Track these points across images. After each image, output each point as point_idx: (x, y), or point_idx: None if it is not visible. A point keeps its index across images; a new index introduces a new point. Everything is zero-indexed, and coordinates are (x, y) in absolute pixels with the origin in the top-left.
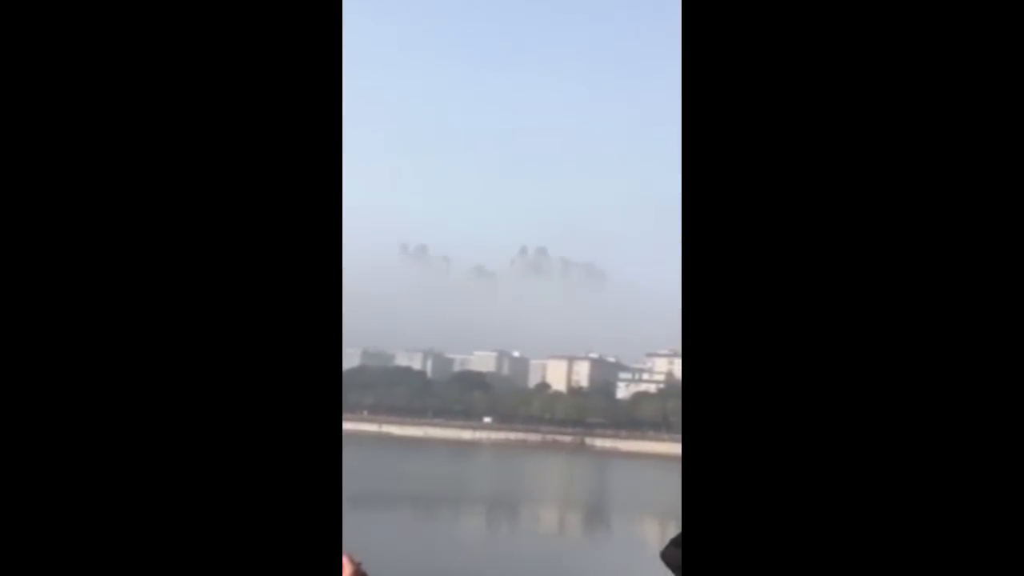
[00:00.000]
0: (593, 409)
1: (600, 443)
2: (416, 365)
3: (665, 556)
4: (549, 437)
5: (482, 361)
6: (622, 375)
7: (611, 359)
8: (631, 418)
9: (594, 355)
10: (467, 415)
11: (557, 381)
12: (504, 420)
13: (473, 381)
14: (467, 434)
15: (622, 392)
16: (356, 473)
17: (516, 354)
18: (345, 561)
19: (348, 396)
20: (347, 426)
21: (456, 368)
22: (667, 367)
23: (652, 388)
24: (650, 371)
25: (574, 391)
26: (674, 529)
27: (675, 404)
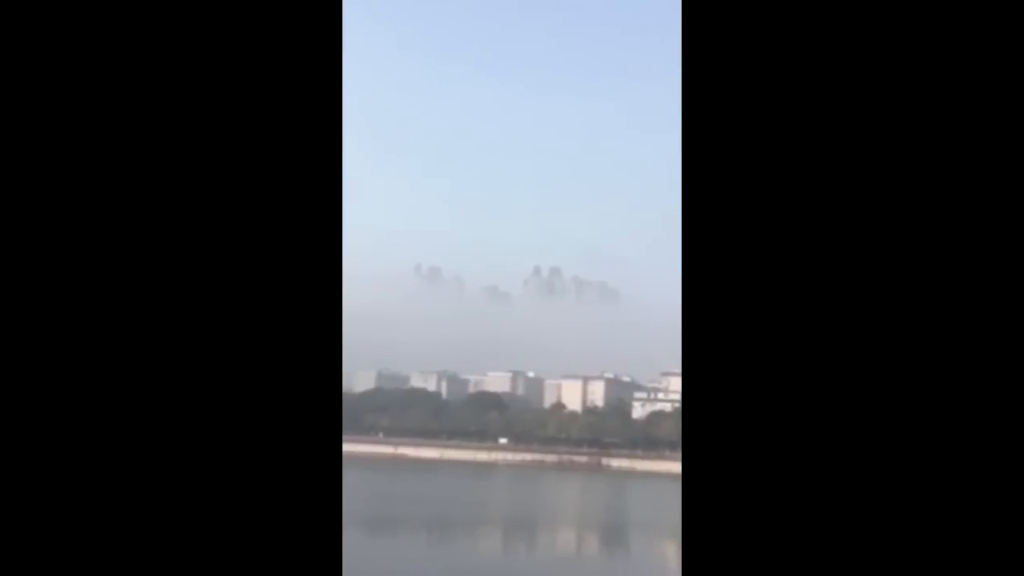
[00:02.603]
0: (609, 429)
1: (616, 463)
2: (431, 387)
3: None
4: (565, 457)
5: (497, 382)
6: (637, 394)
7: (626, 379)
8: (647, 437)
9: (609, 375)
10: (482, 436)
11: (572, 401)
12: (520, 441)
13: (488, 402)
14: (483, 455)
15: (638, 412)
16: (373, 496)
17: (531, 374)
18: None
19: (363, 418)
20: (363, 449)
21: (471, 389)
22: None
23: (668, 407)
24: (665, 390)
25: (589, 411)
26: None
27: None
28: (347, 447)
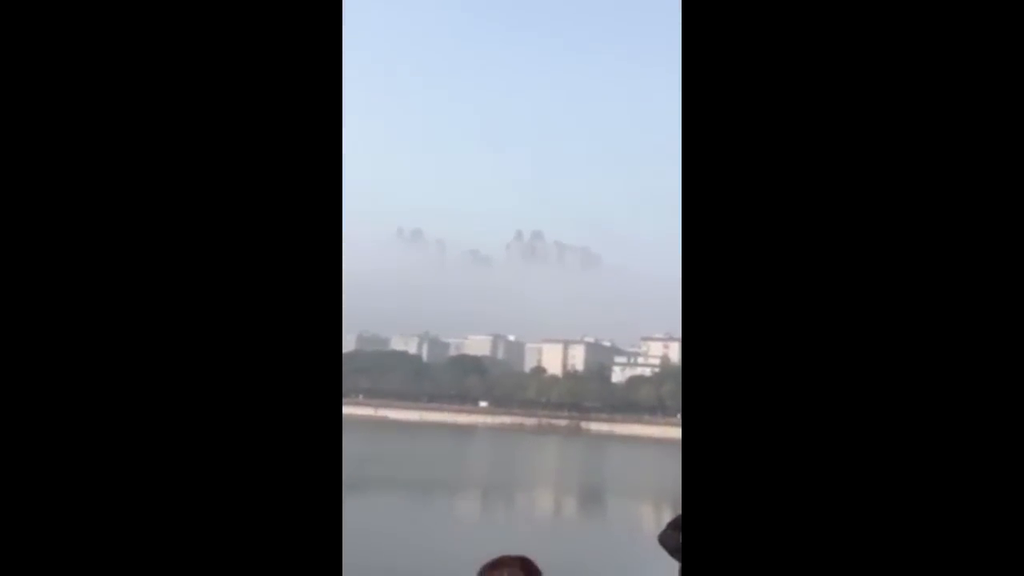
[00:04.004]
0: (589, 393)
1: (596, 426)
2: (412, 349)
3: (662, 539)
4: (545, 421)
5: (477, 345)
6: (617, 359)
7: (606, 343)
8: (626, 401)
9: (589, 339)
10: (463, 399)
11: (553, 365)
12: (500, 404)
13: (469, 365)
14: (463, 418)
15: (617, 376)
16: (352, 457)
17: (511, 338)
18: None
19: (344, 380)
20: (343, 411)
21: (452, 352)
22: (662, 351)
23: (647, 372)
24: (645, 355)
25: (570, 375)
26: (670, 512)
27: (670, 387)
28: None
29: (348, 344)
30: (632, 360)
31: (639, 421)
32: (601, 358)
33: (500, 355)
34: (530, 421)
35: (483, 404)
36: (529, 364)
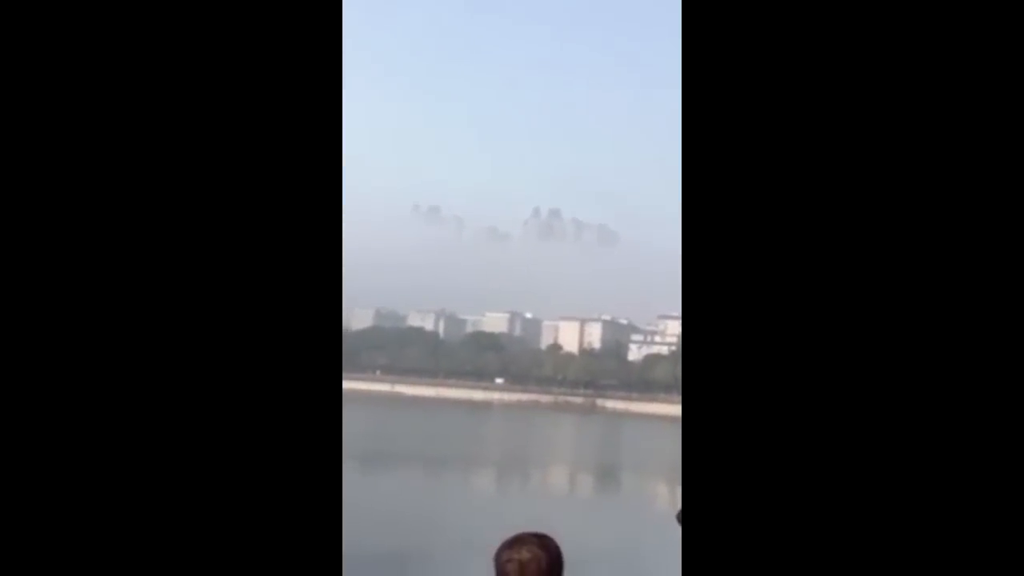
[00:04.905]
0: (605, 371)
1: (612, 404)
2: (429, 326)
3: (680, 517)
4: (561, 398)
5: (494, 322)
6: (634, 337)
7: (623, 321)
8: (643, 380)
9: (606, 317)
10: (479, 376)
11: (569, 343)
12: (516, 381)
13: (485, 342)
14: (479, 394)
15: (634, 354)
16: (368, 433)
17: (528, 315)
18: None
19: (361, 356)
20: (359, 386)
21: (468, 329)
22: (679, 330)
23: (664, 350)
24: (662, 333)
25: (586, 353)
26: None
27: None
28: (344, 384)
29: (365, 320)
30: (648, 338)
31: (655, 399)
32: (618, 336)
33: (517, 332)
34: (546, 398)
35: (499, 381)
36: (546, 341)
